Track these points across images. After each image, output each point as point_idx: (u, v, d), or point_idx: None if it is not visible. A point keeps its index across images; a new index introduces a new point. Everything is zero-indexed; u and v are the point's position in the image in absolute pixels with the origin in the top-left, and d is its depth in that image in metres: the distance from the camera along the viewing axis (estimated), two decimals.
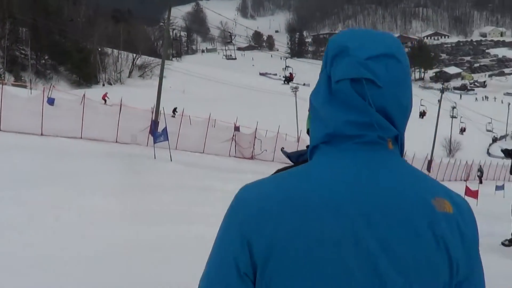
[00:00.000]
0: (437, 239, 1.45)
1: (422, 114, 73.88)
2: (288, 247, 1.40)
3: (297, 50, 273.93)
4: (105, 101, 53.31)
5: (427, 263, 1.44)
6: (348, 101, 1.51)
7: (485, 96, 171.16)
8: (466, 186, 27.17)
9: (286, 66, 58.82)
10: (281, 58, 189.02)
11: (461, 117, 76.62)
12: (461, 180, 45.55)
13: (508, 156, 10.59)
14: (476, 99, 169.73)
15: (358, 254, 1.39)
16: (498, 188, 36.58)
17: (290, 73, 61.08)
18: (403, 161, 1.58)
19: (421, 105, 67.21)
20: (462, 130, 78.30)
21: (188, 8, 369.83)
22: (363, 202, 1.44)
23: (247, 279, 1.47)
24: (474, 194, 25.97)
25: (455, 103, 78.31)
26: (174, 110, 52.93)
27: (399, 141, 1.59)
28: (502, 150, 10.93)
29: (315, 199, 1.44)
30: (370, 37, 1.58)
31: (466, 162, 55.98)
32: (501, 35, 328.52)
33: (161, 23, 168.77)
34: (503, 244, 10.55)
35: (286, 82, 65.63)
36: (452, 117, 77.09)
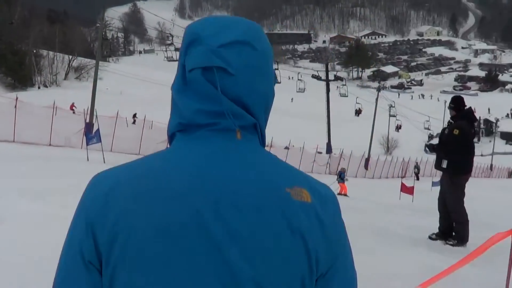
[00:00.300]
0: (292, 229, 1.42)
1: (358, 112, 74.98)
2: (132, 236, 1.38)
3: None
4: (73, 111, 52.29)
5: (280, 253, 1.41)
6: (201, 90, 1.49)
7: (421, 94, 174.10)
8: (402, 182, 27.53)
9: None
10: None
11: (397, 114, 77.70)
12: (398, 177, 46.14)
13: (433, 151, 10.73)
14: (412, 97, 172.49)
15: (205, 244, 1.36)
16: (434, 184, 36.97)
17: None
18: (261, 150, 1.56)
19: (356, 103, 68.12)
20: (398, 128, 79.67)
21: (125, 9, 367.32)
22: (212, 191, 1.41)
23: (92, 267, 1.43)
24: (410, 191, 26.33)
25: (394, 102, 79.43)
26: (134, 116, 52.37)
27: (258, 129, 1.57)
28: (427, 145, 11.07)
29: (162, 187, 1.41)
30: (224, 24, 1.54)
31: (403, 159, 56.79)
32: (438, 34, 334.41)
33: (98, 24, 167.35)
34: (430, 238, 10.66)
35: None
36: (391, 115, 78.30)
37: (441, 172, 10.81)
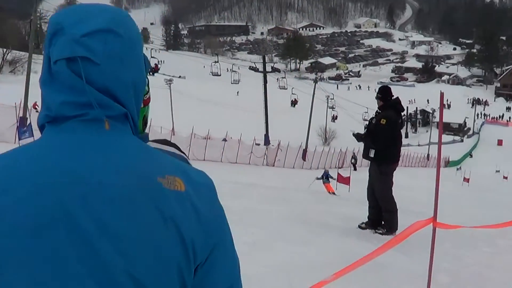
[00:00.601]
0: (165, 218, 1.42)
1: (294, 103, 75.16)
2: None
3: (173, 43, 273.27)
4: (36, 109, 51.11)
5: (154, 244, 1.40)
6: (66, 81, 1.45)
7: (358, 85, 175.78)
8: (338, 173, 27.69)
9: (151, 57, 58.15)
10: (156, 51, 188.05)
11: (335, 106, 78.37)
12: (335, 167, 46.48)
13: (361, 140, 10.80)
14: (349, 88, 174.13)
15: (75, 239, 1.34)
16: None
17: (156, 64, 60.60)
18: (132, 140, 1.53)
19: (292, 93, 68.31)
20: (334, 118, 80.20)
21: (60, 0, 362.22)
22: (79, 184, 1.39)
23: None
24: (346, 181, 26.52)
25: (333, 94, 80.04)
26: None
27: (129, 119, 1.54)
28: (353, 135, 11.11)
29: (26, 181, 1.38)
30: (88, 12, 1.50)
31: (340, 150, 57.26)
32: (375, 26, 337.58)
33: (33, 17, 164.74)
34: (360, 227, 10.76)
35: (151, 73, 65.42)
36: (330, 107, 78.92)
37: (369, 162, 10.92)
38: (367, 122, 11.38)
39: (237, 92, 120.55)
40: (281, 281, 6.52)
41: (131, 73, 1.53)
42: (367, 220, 10.83)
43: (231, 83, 68.49)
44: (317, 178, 26.72)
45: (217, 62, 63.16)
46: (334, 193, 25.51)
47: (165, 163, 1.52)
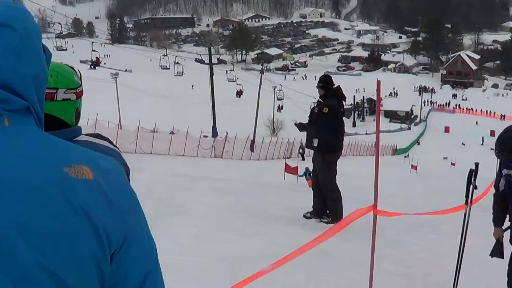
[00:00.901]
0: (75, 209, 1.41)
1: (239, 94, 75.17)
2: None
3: (118, 36, 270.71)
4: None
5: (66, 235, 1.39)
6: None
7: (304, 75, 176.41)
8: (286, 163, 27.75)
9: (92, 50, 57.51)
10: (101, 45, 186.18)
11: (281, 98, 78.63)
12: (283, 158, 46.62)
13: (304, 130, 10.80)
14: (294, 78, 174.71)
15: None
16: None
17: (97, 57, 60.03)
18: (37, 132, 1.51)
19: (237, 84, 68.37)
20: (280, 108, 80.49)
21: None
22: None
23: None
24: (294, 171, 26.60)
25: (281, 85, 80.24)
26: None
27: (32, 112, 1.52)
28: (295, 124, 11.12)
29: None
30: None
31: (288, 140, 57.36)
32: (321, 16, 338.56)
33: None
34: (305, 216, 10.81)
35: (92, 67, 64.55)
36: (279, 99, 79.22)
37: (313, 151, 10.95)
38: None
39: (192, 86, 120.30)
40: (225, 272, 6.52)
41: (30, 66, 1.51)
42: (312, 209, 10.90)
43: (175, 75, 68.22)
44: (300, 176, 26.77)
45: (166, 55, 62.81)
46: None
47: (71, 153, 1.49)
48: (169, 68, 65.04)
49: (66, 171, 1.42)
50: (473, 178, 6.10)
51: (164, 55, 63.07)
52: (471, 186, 6.15)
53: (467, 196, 6.21)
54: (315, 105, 10.75)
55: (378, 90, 5.46)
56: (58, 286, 1.36)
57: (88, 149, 1.57)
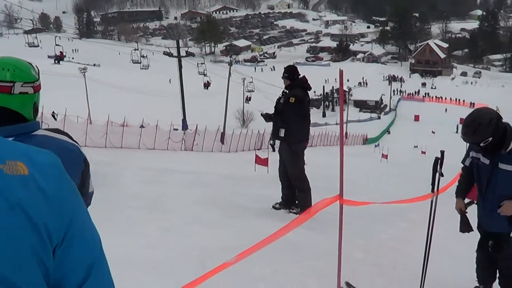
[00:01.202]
0: (11, 205, 1.39)
1: (207, 85, 74.93)
2: None
3: (86, 31, 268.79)
4: None
5: (3, 233, 1.37)
6: None
7: (273, 67, 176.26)
8: (256, 154, 27.66)
9: (56, 45, 57.15)
10: (68, 39, 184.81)
11: (252, 89, 78.71)
12: (254, 149, 46.65)
13: (270, 120, 10.73)
14: (262, 69, 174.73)
15: None
16: None
17: (61, 51, 59.56)
18: None
19: (204, 75, 68.26)
20: (248, 99, 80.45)
21: None
22: None
23: None
24: (264, 162, 26.46)
25: (252, 77, 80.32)
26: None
27: None
28: (261, 115, 11.08)
29: None
30: None
31: (258, 131, 57.26)
32: (288, 7, 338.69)
33: None
34: (274, 207, 10.82)
35: (56, 61, 64.02)
36: (249, 91, 79.29)
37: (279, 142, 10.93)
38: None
39: (170, 80, 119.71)
40: (193, 265, 6.49)
41: None
42: (281, 200, 10.90)
43: (140, 68, 68.07)
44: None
45: (137, 49, 62.62)
46: None
47: (4, 149, 1.46)
48: (140, 62, 64.88)
49: (0, 168, 1.39)
50: (439, 166, 6.14)
51: (135, 49, 62.87)
52: (437, 174, 6.19)
53: (433, 184, 6.24)
54: (281, 95, 10.70)
55: (341, 79, 5.46)
56: (1, 285, 1.33)
57: (23, 144, 1.55)
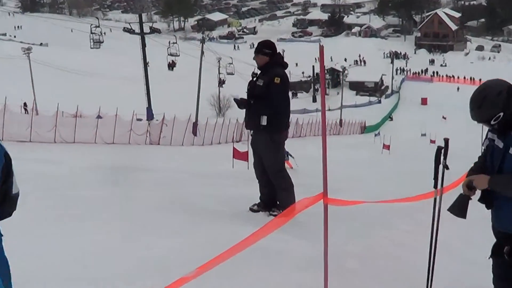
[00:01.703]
0: None
1: (171, 66, 74.14)
2: None
3: (30, 4, 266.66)
4: None
5: None
6: None
7: (252, 44, 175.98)
8: (234, 147, 27.56)
9: None
10: (9, 14, 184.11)
11: (228, 70, 78.58)
12: (232, 141, 46.59)
13: (243, 107, 10.44)
14: (238, 47, 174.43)
15: None
16: None
17: None
18: None
19: (169, 55, 67.73)
20: (222, 83, 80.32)
21: None
22: None
23: None
24: (244, 156, 26.41)
25: (232, 58, 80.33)
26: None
27: None
28: (235, 100, 10.83)
29: None
30: None
31: (237, 120, 56.80)
32: None
33: None
34: (251, 209, 10.65)
35: None
36: (228, 74, 79.12)
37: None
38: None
39: (148, 63, 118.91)
40: (152, 280, 6.38)
41: None
42: (259, 201, 10.76)
43: (91, 47, 67.46)
44: None
45: (98, 26, 62.20)
46: (291, 168, 25.61)
47: None
48: (102, 42, 64.32)
49: None
50: (442, 157, 5.96)
51: (95, 26, 62.40)
52: (440, 166, 6.02)
53: (436, 179, 6.08)
54: (254, 77, 10.43)
55: (321, 57, 5.32)
56: None
57: None
